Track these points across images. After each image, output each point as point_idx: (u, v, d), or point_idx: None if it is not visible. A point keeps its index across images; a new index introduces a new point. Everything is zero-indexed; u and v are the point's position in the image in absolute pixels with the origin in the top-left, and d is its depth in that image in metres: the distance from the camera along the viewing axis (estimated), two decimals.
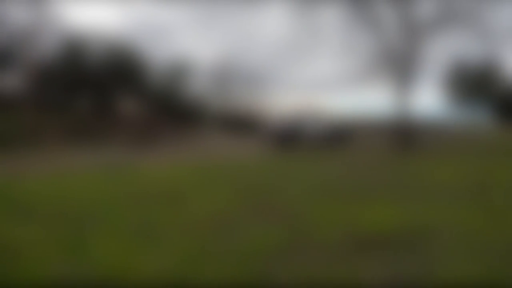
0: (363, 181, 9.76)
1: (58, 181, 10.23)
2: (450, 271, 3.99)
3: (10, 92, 36.91)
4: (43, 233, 5.45)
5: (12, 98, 36.33)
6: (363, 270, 4.03)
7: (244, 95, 45.59)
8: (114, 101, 42.74)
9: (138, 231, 5.54)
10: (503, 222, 5.78)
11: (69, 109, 40.62)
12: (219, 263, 4.27)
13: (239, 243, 4.93)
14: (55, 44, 40.89)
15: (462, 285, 3.66)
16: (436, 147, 20.18)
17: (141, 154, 20.54)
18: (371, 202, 7.22)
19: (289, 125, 21.76)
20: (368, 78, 24.31)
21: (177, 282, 3.80)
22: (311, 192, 8.35)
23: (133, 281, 3.83)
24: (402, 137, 21.71)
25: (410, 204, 6.99)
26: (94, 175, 11.37)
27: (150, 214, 6.50)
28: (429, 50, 24.04)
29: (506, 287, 3.63)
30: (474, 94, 48.89)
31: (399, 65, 21.94)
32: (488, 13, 25.49)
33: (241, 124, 43.73)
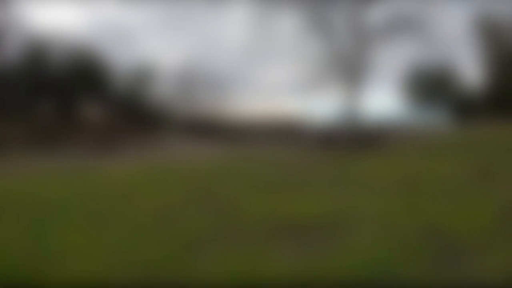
0: (303, 176, 10.56)
1: (20, 185, 10.67)
2: (355, 254, 4.76)
3: None
4: (5, 225, 6.02)
5: None
6: (277, 252, 4.76)
7: (207, 99, 46.15)
8: (77, 106, 42.64)
9: (88, 223, 6.15)
10: (422, 214, 6.63)
11: (31, 114, 40.31)
12: (151, 244, 4.95)
13: (173, 230, 5.62)
14: (16, 47, 40.52)
15: (364, 267, 4.43)
16: (387, 147, 21.27)
17: (103, 159, 20.90)
18: (305, 194, 8.00)
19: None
20: (325, 82, 25.32)
21: (116, 260, 4.45)
22: (251, 187, 9.09)
23: (77, 259, 4.48)
24: (353, 138, 22.80)
25: (341, 196, 7.80)
26: (54, 179, 11.83)
27: (102, 210, 7.11)
28: (384, 55, 25.22)
29: (408, 270, 4.41)
30: (431, 96, 50.68)
31: (350, 69, 23.02)
32: (439, 19, 26.91)
33: (205, 128, 44.31)
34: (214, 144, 32.68)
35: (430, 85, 47.20)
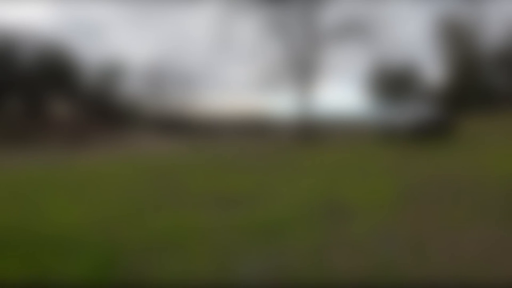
0: (250, 163, 12.17)
1: None
2: (262, 216, 6.35)
3: None
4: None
5: None
6: (207, 215, 6.32)
7: (175, 95, 47.39)
8: (46, 102, 43.28)
9: (64, 198, 7.62)
10: (331, 192, 8.25)
11: (0, 111, 40.80)
12: (113, 209, 6.47)
13: (130, 201, 7.16)
14: None
15: (266, 225, 6.02)
16: (335, 140, 23.09)
17: (73, 154, 22.09)
18: (244, 176, 9.58)
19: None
20: (284, 79, 27.02)
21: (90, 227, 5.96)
22: (203, 172, 10.64)
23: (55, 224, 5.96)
24: (304, 132, 24.63)
25: (271, 177, 9.40)
26: (25, 173, 13.14)
27: (74, 191, 8.57)
28: (341, 54, 27.03)
29: (300, 231, 6.00)
30: (395, 95, 52.91)
31: (305, 68, 24.80)
32: (397, 20, 28.89)
33: (173, 124, 45.53)
34: (182, 138, 34.03)
35: (390, 83, 49.50)
